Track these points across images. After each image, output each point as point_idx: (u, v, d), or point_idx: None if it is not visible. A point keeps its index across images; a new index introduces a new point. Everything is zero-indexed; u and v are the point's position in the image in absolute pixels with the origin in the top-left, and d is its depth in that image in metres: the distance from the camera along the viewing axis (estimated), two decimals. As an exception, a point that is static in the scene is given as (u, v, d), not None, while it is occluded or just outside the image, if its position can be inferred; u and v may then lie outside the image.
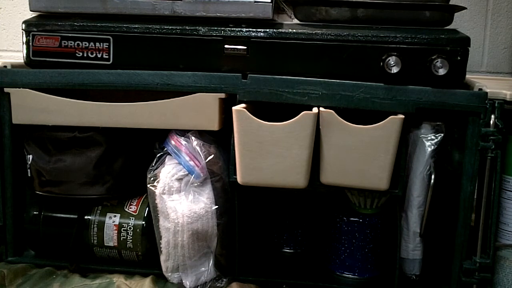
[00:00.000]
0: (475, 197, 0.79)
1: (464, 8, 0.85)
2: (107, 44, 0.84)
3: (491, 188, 0.78)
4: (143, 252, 0.85)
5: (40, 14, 0.88)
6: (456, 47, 0.77)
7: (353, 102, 0.78)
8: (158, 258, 0.83)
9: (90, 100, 0.83)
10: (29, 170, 0.86)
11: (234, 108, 0.76)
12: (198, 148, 0.81)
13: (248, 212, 0.88)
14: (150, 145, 0.86)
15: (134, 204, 0.87)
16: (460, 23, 1.14)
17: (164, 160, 0.83)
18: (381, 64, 0.78)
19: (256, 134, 0.75)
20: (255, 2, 0.81)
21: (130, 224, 0.85)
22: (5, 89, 0.85)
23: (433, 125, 0.83)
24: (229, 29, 0.81)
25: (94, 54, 0.84)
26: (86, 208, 0.86)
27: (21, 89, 0.84)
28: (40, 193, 0.86)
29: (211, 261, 0.82)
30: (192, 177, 0.80)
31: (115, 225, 0.85)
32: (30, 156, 0.86)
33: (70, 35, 0.84)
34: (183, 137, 0.83)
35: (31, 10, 0.87)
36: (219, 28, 0.81)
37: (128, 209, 0.86)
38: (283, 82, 0.79)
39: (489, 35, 1.18)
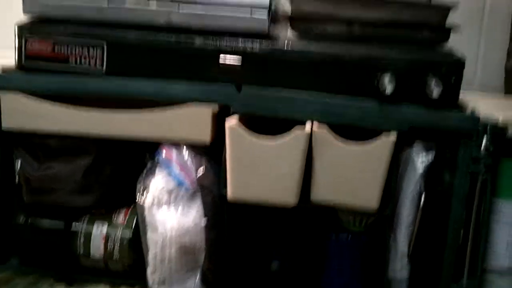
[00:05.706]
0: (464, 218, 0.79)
1: (459, 28, 0.85)
2: (101, 51, 0.83)
3: (481, 210, 0.78)
4: (130, 263, 0.85)
5: (34, 18, 0.87)
6: (451, 69, 0.78)
7: (347, 118, 0.78)
8: (145, 270, 0.82)
9: (84, 106, 0.82)
10: (17, 176, 0.85)
11: (227, 124, 0.75)
12: (189, 160, 0.80)
13: (237, 227, 0.88)
14: (141, 155, 0.86)
15: (122, 214, 0.86)
16: (453, 39, 1.14)
17: (154, 171, 0.82)
18: (375, 82, 0.78)
19: (248, 151, 0.75)
20: (251, 16, 0.80)
21: (117, 234, 0.84)
22: (-5, 93, 0.84)
23: (425, 144, 0.83)
24: (225, 41, 0.81)
25: (88, 61, 0.83)
26: (74, 217, 0.85)
27: (12, 94, 0.83)
28: (28, 200, 0.84)
29: (197, 276, 0.82)
30: (182, 190, 0.80)
31: (102, 235, 0.84)
32: (19, 162, 0.84)
33: (63, 40, 0.83)
34: (174, 148, 0.82)
35: (24, 13, 0.86)
36: (214, 40, 0.81)
37: (116, 219, 0.85)
38: (277, 96, 0.79)
39: (483, 52, 1.18)
